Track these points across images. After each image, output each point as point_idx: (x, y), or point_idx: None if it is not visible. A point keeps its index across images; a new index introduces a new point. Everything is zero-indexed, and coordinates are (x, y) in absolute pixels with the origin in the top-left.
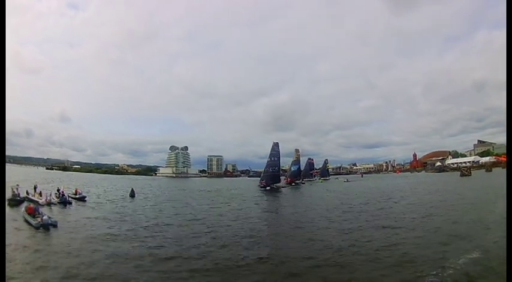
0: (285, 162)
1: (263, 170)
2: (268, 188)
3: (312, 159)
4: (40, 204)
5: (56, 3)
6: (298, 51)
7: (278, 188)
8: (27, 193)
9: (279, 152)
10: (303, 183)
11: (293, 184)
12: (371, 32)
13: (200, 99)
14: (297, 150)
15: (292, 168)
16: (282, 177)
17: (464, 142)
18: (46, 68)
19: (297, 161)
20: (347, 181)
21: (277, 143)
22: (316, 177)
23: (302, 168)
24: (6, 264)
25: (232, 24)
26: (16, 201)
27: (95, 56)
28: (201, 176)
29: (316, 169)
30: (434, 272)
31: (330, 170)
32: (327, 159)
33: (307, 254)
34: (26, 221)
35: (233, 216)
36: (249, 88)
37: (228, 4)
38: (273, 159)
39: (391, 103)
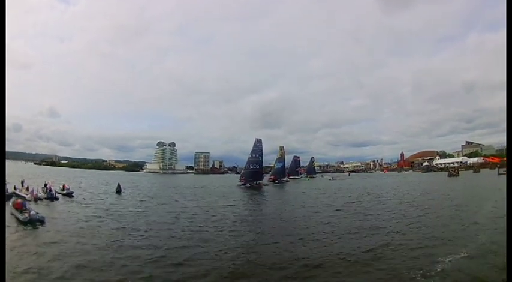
0: (272, 160)
1: (244, 166)
2: (248, 185)
3: (298, 157)
4: (27, 200)
5: None
6: (289, 45)
7: (260, 185)
8: (15, 188)
9: (261, 148)
10: (287, 180)
11: (276, 182)
12: (363, 29)
13: (190, 95)
14: (281, 148)
15: (276, 166)
16: (268, 174)
17: (453, 142)
18: (36, 63)
19: (281, 159)
20: (332, 179)
21: (260, 139)
22: (302, 175)
23: (287, 165)
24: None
25: (223, 19)
26: None
27: (85, 50)
28: (187, 173)
29: (302, 167)
30: (422, 272)
31: (316, 168)
32: (313, 157)
33: (292, 255)
34: (14, 216)
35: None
36: (239, 84)
37: None
38: (254, 156)
39: (381, 102)
